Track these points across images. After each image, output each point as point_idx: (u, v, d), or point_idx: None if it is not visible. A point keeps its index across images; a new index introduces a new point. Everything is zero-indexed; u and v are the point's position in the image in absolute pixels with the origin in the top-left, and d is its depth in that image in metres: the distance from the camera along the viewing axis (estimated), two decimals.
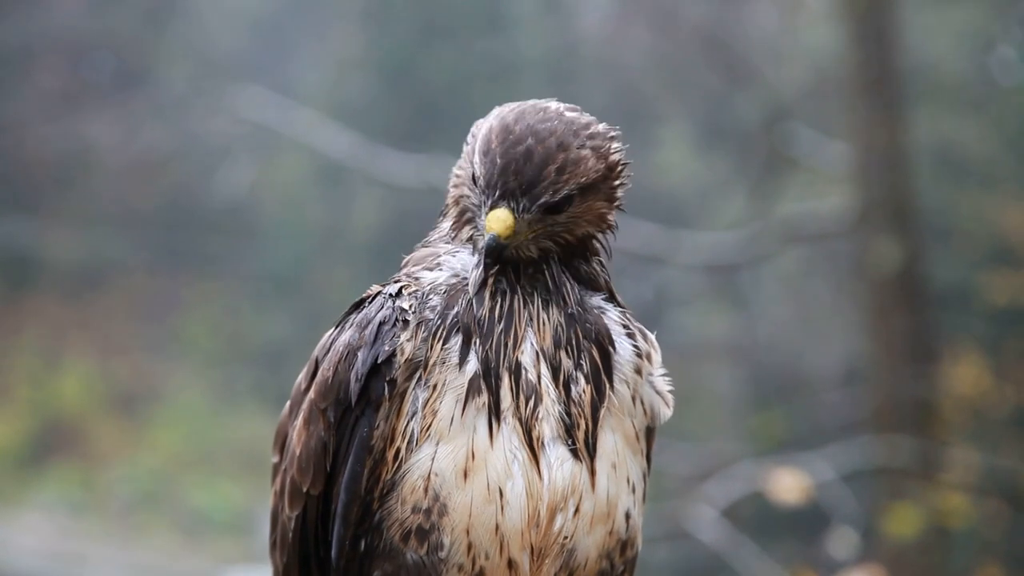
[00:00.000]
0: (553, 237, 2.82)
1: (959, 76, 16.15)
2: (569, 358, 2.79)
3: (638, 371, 2.88)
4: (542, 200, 2.76)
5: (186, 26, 21.95)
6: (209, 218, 20.62)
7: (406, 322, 2.79)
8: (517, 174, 2.76)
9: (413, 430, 2.76)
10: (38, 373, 20.81)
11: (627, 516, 2.82)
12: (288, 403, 3.00)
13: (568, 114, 2.83)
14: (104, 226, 21.17)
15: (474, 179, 2.82)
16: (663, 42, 17.43)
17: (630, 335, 2.89)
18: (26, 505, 18.85)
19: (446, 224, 2.94)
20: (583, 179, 2.79)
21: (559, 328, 2.80)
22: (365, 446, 2.78)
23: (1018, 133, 16.02)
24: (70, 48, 21.20)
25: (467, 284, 2.82)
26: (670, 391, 2.94)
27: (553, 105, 2.85)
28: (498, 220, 2.76)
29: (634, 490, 2.84)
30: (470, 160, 2.85)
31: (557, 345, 2.79)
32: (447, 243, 2.91)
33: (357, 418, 2.79)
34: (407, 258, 2.96)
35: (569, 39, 20.10)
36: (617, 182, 2.86)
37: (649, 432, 2.92)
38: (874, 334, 11.49)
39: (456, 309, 2.80)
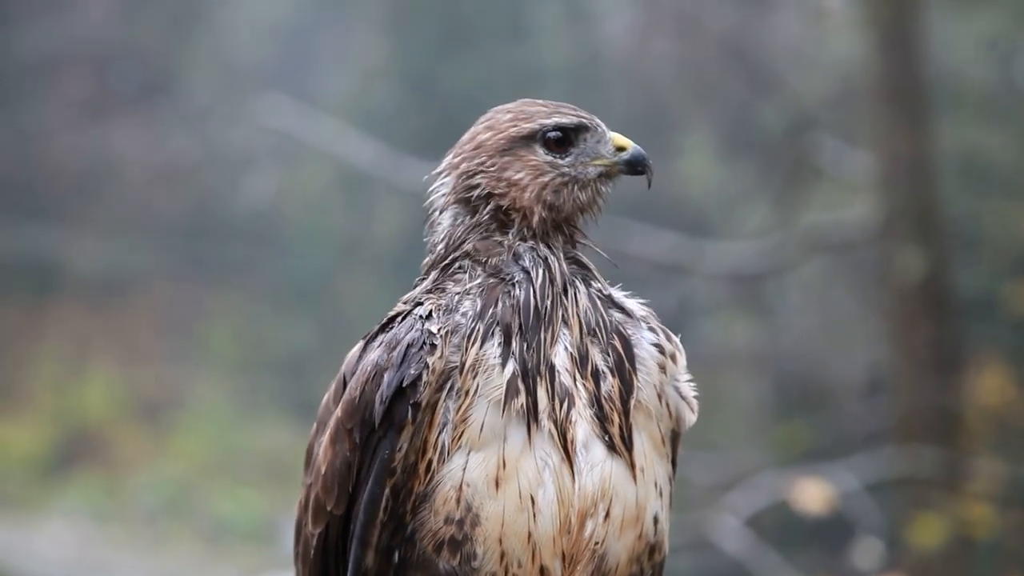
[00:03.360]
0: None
1: (984, 85, 16.10)
2: (596, 348, 2.79)
3: (663, 369, 2.88)
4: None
5: (210, 35, 22.02)
6: (232, 227, 20.67)
7: (434, 345, 2.78)
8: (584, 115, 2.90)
9: (444, 441, 2.76)
10: (62, 381, 20.88)
11: (655, 520, 2.82)
12: (316, 422, 3.00)
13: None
14: (128, 235, 21.23)
15: (558, 132, 2.84)
16: (687, 51, 17.41)
17: (651, 329, 2.90)
18: (50, 513, 18.90)
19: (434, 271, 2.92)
20: None
21: (588, 316, 2.80)
22: (386, 468, 2.78)
23: None
24: (95, 58, 21.28)
25: (505, 281, 2.80)
26: (695, 396, 2.94)
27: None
28: (622, 137, 2.86)
29: (661, 494, 2.84)
30: (527, 130, 2.86)
31: (584, 336, 2.79)
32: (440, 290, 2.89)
33: (380, 439, 2.79)
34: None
35: (593, 47, 20.09)
36: None
37: (675, 437, 2.91)
38: (898, 344, 11.45)
39: (494, 309, 2.79)
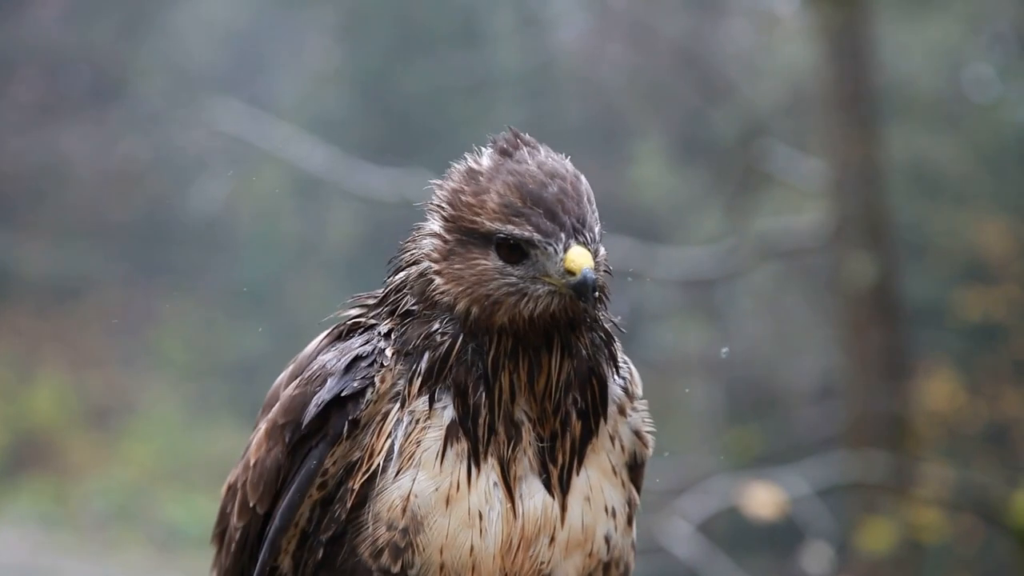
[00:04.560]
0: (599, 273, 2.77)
1: (933, 93, 16.21)
2: (562, 394, 2.78)
3: (621, 411, 2.90)
4: (597, 230, 2.72)
5: (162, 39, 21.90)
6: (184, 231, 20.57)
7: (383, 364, 2.77)
8: (567, 213, 2.70)
9: (393, 451, 2.75)
10: (11, 386, 20.71)
11: (607, 539, 2.84)
12: (264, 402, 2.98)
13: (548, 157, 2.79)
14: (78, 239, 21.09)
15: (509, 243, 2.71)
16: (639, 58, 17.46)
17: (622, 376, 2.90)
18: None
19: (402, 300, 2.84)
20: (598, 217, 2.78)
21: (558, 372, 2.77)
22: (310, 479, 2.77)
23: (992, 150, 16.09)
24: (46, 60, 21.13)
25: (465, 335, 2.76)
26: (649, 432, 2.95)
27: (525, 153, 2.79)
28: (582, 255, 2.68)
29: (614, 515, 2.85)
30: (484, 229, 2.73)
31: (553, 384, 2.77)
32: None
33: (311, 449, 2.77)
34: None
35: (546, 54, 20.11)
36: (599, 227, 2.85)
37: (632, 468, 2.93)
38: (849, 349, 11.52)
39: (450, 356, 2.76)
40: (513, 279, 2.72)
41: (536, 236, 2.69)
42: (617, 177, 17.25)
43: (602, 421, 2.83)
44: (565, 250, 2.68)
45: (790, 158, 12.52)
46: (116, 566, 18.26)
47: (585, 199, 2.73)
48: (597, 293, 2.70)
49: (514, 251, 2.71)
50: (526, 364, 2.76)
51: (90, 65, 21.29)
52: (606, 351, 2.84)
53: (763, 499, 8.95)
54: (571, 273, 2.68)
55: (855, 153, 11.24)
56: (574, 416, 2.80)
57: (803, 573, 9.35)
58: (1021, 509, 9.86)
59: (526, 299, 2.71)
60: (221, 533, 3.03)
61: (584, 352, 2.80)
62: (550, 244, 2.68)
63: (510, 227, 2.70)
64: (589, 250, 2.69)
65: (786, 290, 16.99)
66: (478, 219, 2.73)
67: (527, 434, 2.76)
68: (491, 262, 2.73)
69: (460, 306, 2.75)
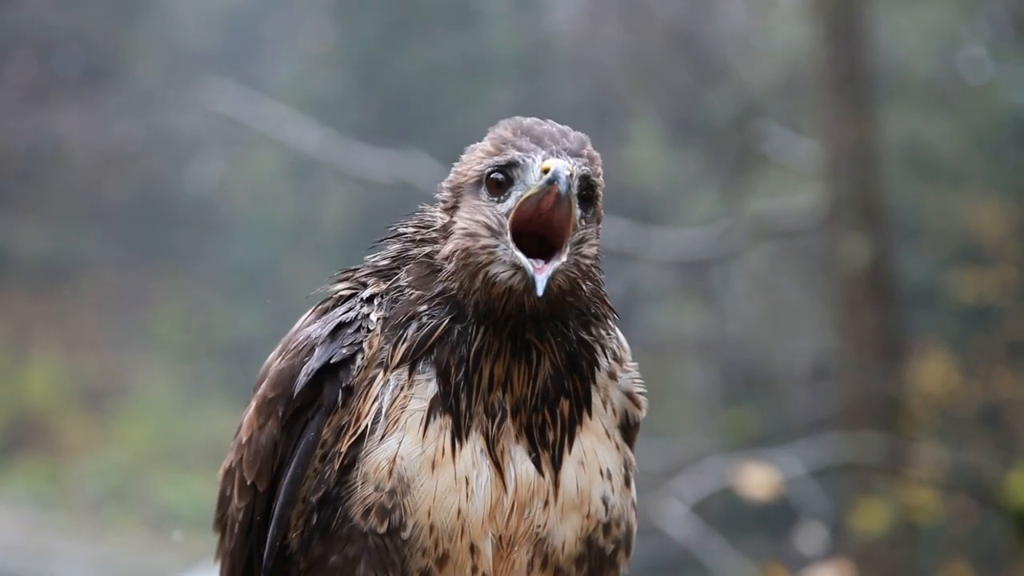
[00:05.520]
0: (578, 259, 2.76)
1: (928, 74, 16.20)
2: (542, 395, 2.78)
3: (611, 376, 2.89)
4: (587, 167, 2.75)
5: (156, 20, 21.85)
6: (179, 212, 20.54)
7: (370, 329, 2.78)
8: (555, 142, 2.75)
9: (381, 414, 2.75)
10: (5, 367, 20.70)
11: (604, 500, 2.84)
12: (257, 379, 2.98)
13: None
14: (73, 220, 21.07)
15: (496, 171, 2.76)
16: (635, 39, 17.44)
17: (610, 346, 2.90)
18: None
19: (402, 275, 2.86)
20: (600, 179, 2.80)
21: (534, 374, 2.77)
22: (310, 451, 2.78)
23: (986, 131, 16.08)
24: (40, 42, 21.08)
25: (451, 319, 2.77)
26: (641, 393, 2.95)
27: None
28: (560, 163, 2.70)
29: (610, 477, 2.85)
30: (475, 172, 2.79)
31: (530, 387, 2.78)
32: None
33: (307, 421, 2.78)
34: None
35: (541, 35, 20.08)
36: (600, 226, 2.87)
37: (625, 429, 2.93)
38: (843, 331, 11.53)
39: (433, 335, 2.77)
40: (494, 224, 2.73)
41: (516, 153, 2.74)
42: (612, 158, 17.21)
43: (589, 406, 2.82)
44: (543, 160, 2.72)
45: (785, 139, 12.51)
46: (109, 547, 18.28)
47: (585, 148, 2.78)
48: (570, 191, 2.68)
49: (500, 184, 2.76)
50: (507, 362, 2.76)
51: (85, 46, 21.24)
52: (588, 348, 2.83)
53: (757, 480, 8.97)
54: (545, 172, 2.70)
55: (850, 134, 11.23)
56: (562, 399, 2.79)
57: (797, 553, 9.37)
58: (1015, 490, 9.88)
59: (495, 262, 2.72)
60: (222, 518, 3.02)
61: (567, 348, 2.79)
62: (528, 156, 2.73)
63: (496, 157, 2.76)
64: (570, 164, 2.70)
65: (781, 271, 17.00)
66: (472, 169, 2.79)
67: (511, 416, 2.76)
68: (482, 200, 2.76)
69: (450, 266, 2.77)
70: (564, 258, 2.71)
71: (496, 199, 2.75)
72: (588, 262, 2.79)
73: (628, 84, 18.45)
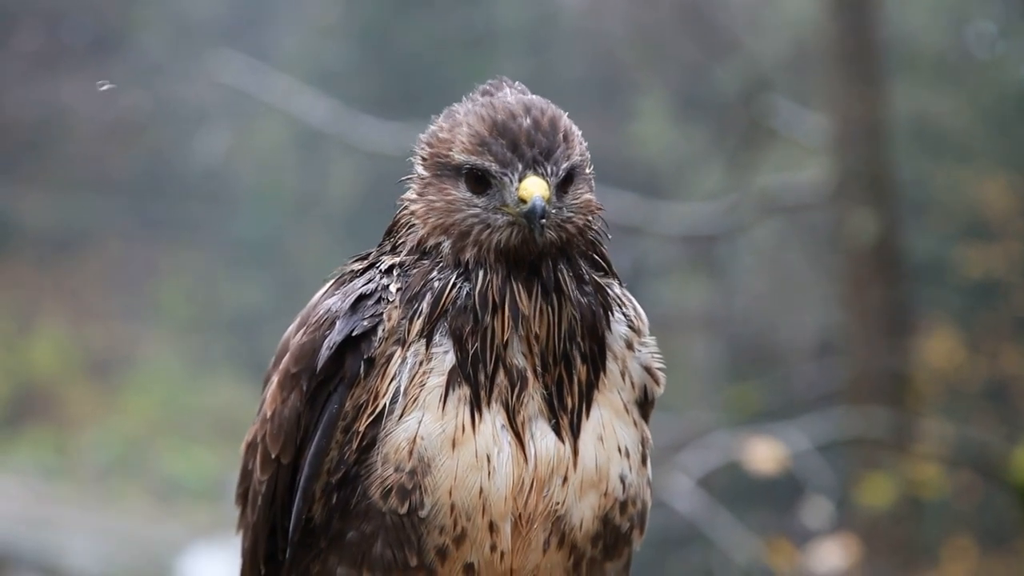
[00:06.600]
0: (559, 227, 2.77)
1: (937, 49, 16.17)
2: (565, 341, 2.78)
3: (629, 346, 2.89)
4: (563, 165, 2.75)
5: None
6: (185, 184, 20.55)
7: (390, 301, 2.78)
8: (531, 144, 2.75)
9: (400, 393, 2.76)
10: (12, 338, 20.75)
11: (622, 479, 2.84)
12: (275, 355, 2.97)
13: (532, 96, 2.83)
14: (80, 191, 21.08)
15: (475, 173, 2.76)
16: (641, 12, 17.39)
17: (625, 313, 2.89)
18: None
19: (401, 245, 2.87)
20: (579, 155, 2.80)
21: (556, 313, 2.77)
22: (334, 422, 2.78)
23: (994, 107, 16.05)
24: (47, 12, 21.06)
25: (458, 276, 2.77)
26: (660, 368, 2.95)
27: (508, 93, 2.84)
28: (535, 185, 2.72)
29: (628, 455, 2.85)
30: (455, 162, 2.78)
31: (552, 329, 2.77)
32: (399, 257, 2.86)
33: (330, 394, 2.78)
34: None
35: (547, 8, 20.04)
36: (590, 169, 2.86)
37: (642, 406, 2.92)
38: (850, 306, 11.52)
39: (443, 297, 2.77)
40: (477, 209, 2.77)
41: (494, 166, 2.74)
42: (619, 132, 17.20)
43: (604, 365, 2.82)
44: (520, 180, 2.73)
45: (793, 114, 12.48)
46: (115, 517, 18.35)
47: (560, 134, 2.76)
48: (545, 221, 2.71)
49: (480, 182, 2.77)
50: (514, 300, 2.76)
51: (92, 16, 21.22)
52: (601, 293, 2.84)
53: (763, 454, 8.97)
54: (523, 202, 2.71)
55: (858, 109, 11.20)
56: (578, 361, 2.79)
57: (803, 527, 9.38)
58: (1020, 465, 9.88)
59: (489, 229, 2.75)
60: (245, 492, 3.02)
61: (576, 294, 2.80)
62: (506, 174, 2.73)
63: (474, 158, 2.76)
64: (547, 182, 2.72)
65: (787, 246, 16.99)
66: (450, 153, 2.79)
67: (532, 381, 2.76)
68: (460, 193, 2.78)
69: (431, 240, 2.79)
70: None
71: (475, 195, 2.78)
72: (579, 203, 2.81)
73: (635, 57, 18.41)
